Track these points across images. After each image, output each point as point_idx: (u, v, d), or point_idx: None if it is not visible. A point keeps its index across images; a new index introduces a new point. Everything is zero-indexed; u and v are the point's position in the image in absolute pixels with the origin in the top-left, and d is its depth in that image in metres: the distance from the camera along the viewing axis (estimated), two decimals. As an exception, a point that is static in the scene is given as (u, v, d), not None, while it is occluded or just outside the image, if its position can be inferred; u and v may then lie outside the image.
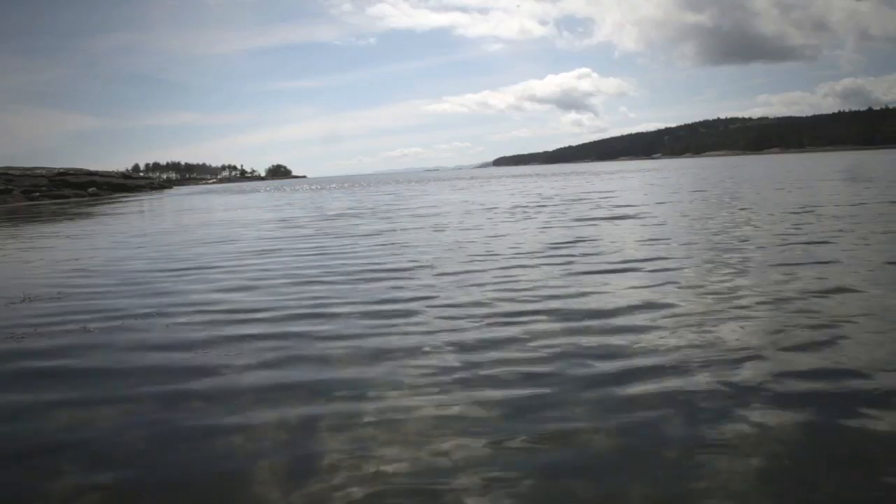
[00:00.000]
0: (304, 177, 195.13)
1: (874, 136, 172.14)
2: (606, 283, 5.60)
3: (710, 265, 6.28)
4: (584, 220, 11.52)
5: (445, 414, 2.91)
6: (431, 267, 6.96)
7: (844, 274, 5.54)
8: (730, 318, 4.27)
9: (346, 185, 59.57)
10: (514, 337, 4.04)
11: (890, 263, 5.95)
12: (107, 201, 41.50)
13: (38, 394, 3.45)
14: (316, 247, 9.61)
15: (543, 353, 3.69)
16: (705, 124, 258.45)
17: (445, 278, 6.23)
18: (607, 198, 17.97)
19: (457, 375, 3.39)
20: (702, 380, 3.17)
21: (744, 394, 2.97)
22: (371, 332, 4.35)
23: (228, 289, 6.29)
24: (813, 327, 3.95)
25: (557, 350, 3.73)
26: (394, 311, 4.93)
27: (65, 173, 55.69)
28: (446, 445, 2.61)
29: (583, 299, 5.01)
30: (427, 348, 3.89)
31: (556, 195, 20.87)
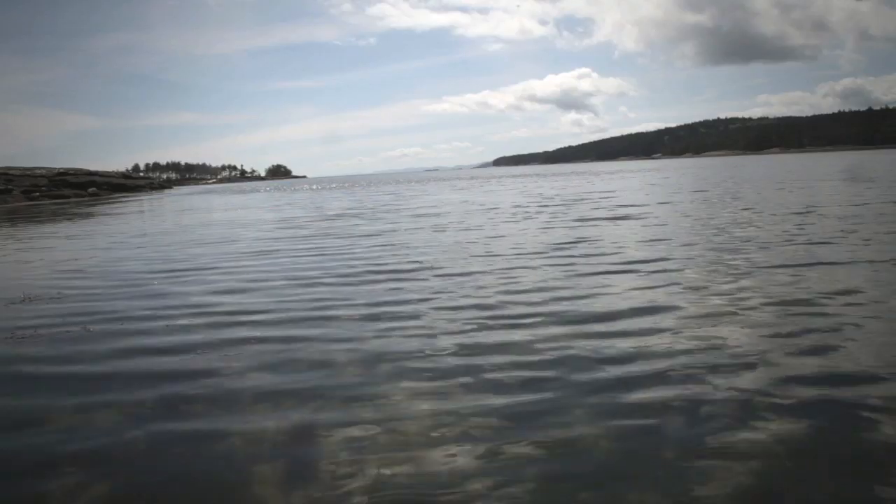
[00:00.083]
0: (304, 177, 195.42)
1: (874, 136, 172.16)
2: (608, 285, 5.57)
3: (712, 266, 6.25)
4: (585, 221, 11.50)
5: (446, 418, 2.89)
6: (432, 268, 6.93)
7: (848, 275, 5.51)
8: (733, 321, 4.24)
9: (346, 185, 59.60)
10: (515, 340, 4.01)
11: (894, 264, 5.91)
12: (107, 201, 41.52)
13: (37, 395, 3.44)
14: (316, 247, 9.59)
15: (545, 356, 3.67)
16: (705, 124, 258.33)
17: (446, 279, 6.20)
18: (608, 198, 17.94)
19: (458, 379, 3.36)
20: (705, 384, 3.14)
21: (748, 399, 2.93)
22: (371, 334, 4.32)
23: (228, 290, 6.27)
24: (817, 330, 3.92)
25: (559, 353, 3.70)
26: (394, 312, 4.90)
27: (65, 173, 55.75)
28: (447, 450, 2.58)
29: (585, 301, 4.98)
30: (428, 351, 3.87)
31: (557, 195, 20.85)
